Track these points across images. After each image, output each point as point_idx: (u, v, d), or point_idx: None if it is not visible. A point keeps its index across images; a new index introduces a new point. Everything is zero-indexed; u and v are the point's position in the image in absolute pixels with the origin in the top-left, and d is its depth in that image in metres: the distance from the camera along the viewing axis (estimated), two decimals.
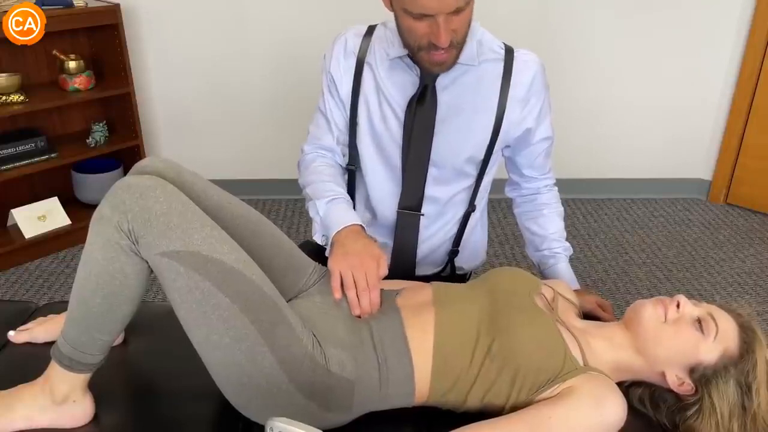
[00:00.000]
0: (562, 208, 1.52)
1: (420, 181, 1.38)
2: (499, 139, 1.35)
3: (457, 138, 1.34)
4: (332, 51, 1.37)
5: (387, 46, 1.32)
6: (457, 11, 1.13)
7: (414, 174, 1.37)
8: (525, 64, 1.32)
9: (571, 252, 1.49)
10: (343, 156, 1.44)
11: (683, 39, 2.86)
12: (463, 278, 1.60)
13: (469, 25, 1.22)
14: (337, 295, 1.16)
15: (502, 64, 1.31)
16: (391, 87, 1.33)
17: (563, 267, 1.45)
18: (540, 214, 1.49)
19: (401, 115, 1.33)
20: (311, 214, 1.35)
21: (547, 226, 1.48)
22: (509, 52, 1.33)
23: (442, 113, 1.32)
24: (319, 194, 1.33)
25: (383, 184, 1.41)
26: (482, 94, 1.32)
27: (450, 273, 1.54)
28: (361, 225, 1.27)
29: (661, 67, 2.91)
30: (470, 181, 1.41)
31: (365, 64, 1.34)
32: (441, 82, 1.30)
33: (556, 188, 1.52)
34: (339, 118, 1.40)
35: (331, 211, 1.29)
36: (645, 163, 3.12)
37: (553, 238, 1.47)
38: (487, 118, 1.33)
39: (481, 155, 1.37)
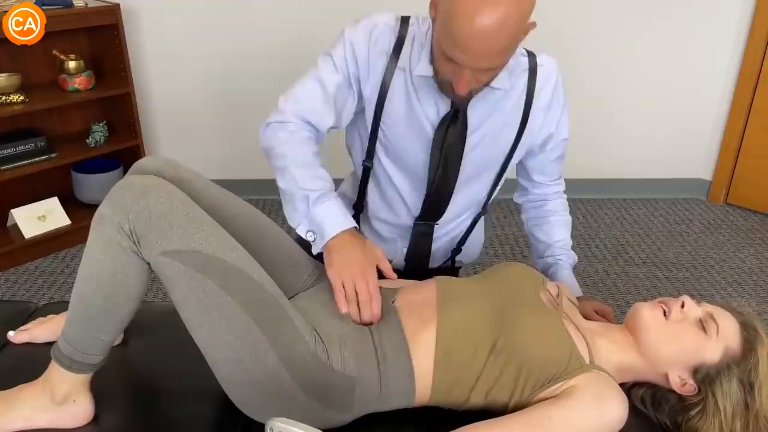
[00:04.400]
0: (569, 218, 1.49)
1: (445, 199, 1.35)
2: (519, 148, 1.33)
3: (484, 154, 1.32)
4: (362, 39, 1.23)
5: (420, 54, 1.22)
6: (487, 71, 1.09)
7: (440, 194, 1.34)
8: (549, 74, 1.29)
9: (575, 260, 1.47)
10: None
11: (683, 39, 2.86)
12: (457, 270, 1.59)
13: (497, 75, 1.16)
14: (344, 310, 1.12)
15: (526, 75, 1.27)
16: (420, 101, 1.25)
17: (565, 274, 1.42)
18: (546, 221, 1.47)
19: (430, 131, 1.27)
20: (296, 201, 1.19)
21: (552, 234, 1.46)
22: (532, 59, 1.28)
23: (471, 132, 1.28)
24: (307, 183, 1.18)
25: (401, 189, 1.37)
26: (510, 108, 1.28)
27: (449, 266, 1.54)
28: (355, 227, 1.20)
29: (660, 67, 2.91)
30: (487, 189, 1.41)
31: (398, 69, 1.24)
32: (472, 103, 1.24)
33: (566, 196, 1.50)
34: (344, 106, 1.28)
35: (322, 210, 1.17)
36: (645, 163, 3.12)
37: (557, 246, 1.45)
38: (511, 131, 1.30)
39: (501, 165, 1.36)
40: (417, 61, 1.22)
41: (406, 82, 1.25)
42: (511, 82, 1.25)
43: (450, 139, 1.26)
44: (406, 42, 1.23)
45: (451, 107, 1.24)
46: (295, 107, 1.27)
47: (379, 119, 1.29)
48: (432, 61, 1.19)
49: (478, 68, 1.07)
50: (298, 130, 1.26)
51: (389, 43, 1.23)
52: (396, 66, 1.24)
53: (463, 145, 1.27)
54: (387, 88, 1.25)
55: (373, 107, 1.28)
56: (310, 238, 1.19)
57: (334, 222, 1.17)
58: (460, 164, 1.29)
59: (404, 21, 1.25)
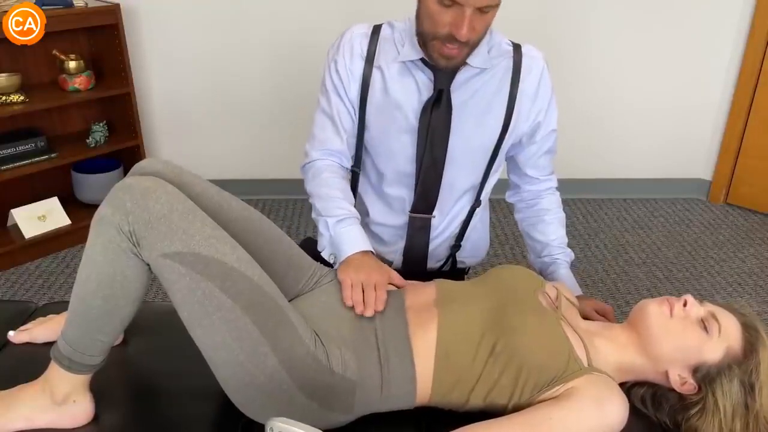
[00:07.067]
0: (563, 215, 1.50)
1: (435, 185, 1.37)
2: (508, 134, 1.35)
3: (469, 137, 1.34)
4: (339, 52, 1.33)
5: (398, 47, 1.30)
6: (485, 10, 1.14)
7: (429, 179, 1.36)
8: (533, 60, 1.33)
9: (572, 257, 1.48)
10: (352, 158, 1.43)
11: (683, 39, 2.86)
12: (462, 272, 1.60)
13: (487, 30, 1.21)
14: (349, 303, 1.14)
15: (511, 62, 1.32)
16: (401, 91, 1.31)
17: (564, 273, 1.43)
18: (540, 221, 1.48)
19: (413, 120, 1.31)
20: (320, 228, 1.31)
21: (548, 233, 1.47)
22: (517, 49, 1.33)
23: (456, 115, 1.31)
24: (329, 211, 1.30)
25: (393, 187, 1.40)
26: (493, 92, 1.32)
27: (451, 267, 1.54)
28: (371, 250, 1.27)
29: (661, 67, 2.91)
30: (478, 177, 1.41)
31: (374, 68, 1.32)
32: (454, 84, 1.29)
33: (558, 193, 1.51)
34: (347, 120, 1.36)
35: (342, 233, 1.27)
36: (645, 163, 3.12)
37: (554, 245, 1.46)
38: (498, 114, 1.33)
39: (491, 151, 1.37)
40: (396, 54, 1.30)
41: (384, 78, 1.31)
42: (491, 62, 1.30)
43: (434, 122, 1.30)
44: (379, 44, 1.32)
45: (435, 89, 1.28)
46: (315, 144, 1.40)
47: (364, 119, 1.35)
48: (420, 44, 1.25)
49: (479, 2, 1.12)
50: (323, 165, 1.38)
51: (362, 47, 1.32)
52: (372, 66, 1.31)
53: (449, 127, 1.31)
54: (368, 88, 1.32)
55: (357, 108, 1.34)
56: (331, 259, 1.30)
57: (352, 243, 1.26)
58: (446, 146, 1.33)
59: (376, 28, 1.34)
